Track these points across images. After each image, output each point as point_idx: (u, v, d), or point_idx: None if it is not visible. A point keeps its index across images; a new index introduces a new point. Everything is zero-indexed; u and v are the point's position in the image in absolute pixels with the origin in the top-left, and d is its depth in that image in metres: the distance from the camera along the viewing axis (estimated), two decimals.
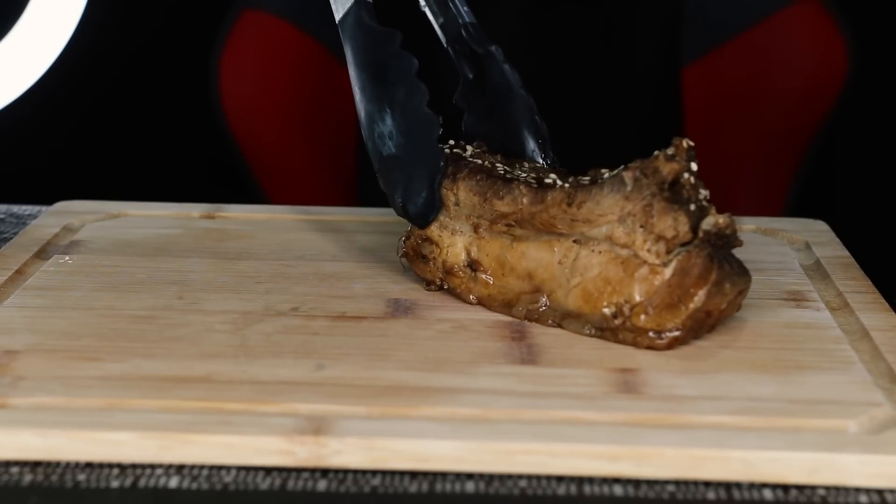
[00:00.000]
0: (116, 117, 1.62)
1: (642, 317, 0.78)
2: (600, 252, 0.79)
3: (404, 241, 0.88)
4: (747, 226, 1.01)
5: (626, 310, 0.78)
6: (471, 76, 0.90)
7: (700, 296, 0.77)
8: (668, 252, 0.78)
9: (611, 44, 1.34)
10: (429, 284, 0.87)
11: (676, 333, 0.77)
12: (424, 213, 0.85)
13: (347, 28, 0.87)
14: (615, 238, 0.79)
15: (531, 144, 0.89)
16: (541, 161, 0.89)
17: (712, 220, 0.78)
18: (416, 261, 0.88)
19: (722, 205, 0.81)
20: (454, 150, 0.87)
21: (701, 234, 0.78)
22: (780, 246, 0.99)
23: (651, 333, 0.77)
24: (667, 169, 0.79)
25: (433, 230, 0.86)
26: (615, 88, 1.35)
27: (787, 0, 1.35)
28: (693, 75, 1.35)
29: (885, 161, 1.52)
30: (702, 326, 0.79)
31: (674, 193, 0.79)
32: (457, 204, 0.85)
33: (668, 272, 0.77)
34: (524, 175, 0.84)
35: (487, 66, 0.89)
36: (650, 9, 1.33)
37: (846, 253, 0.96)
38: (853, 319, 0.83)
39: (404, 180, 0.85)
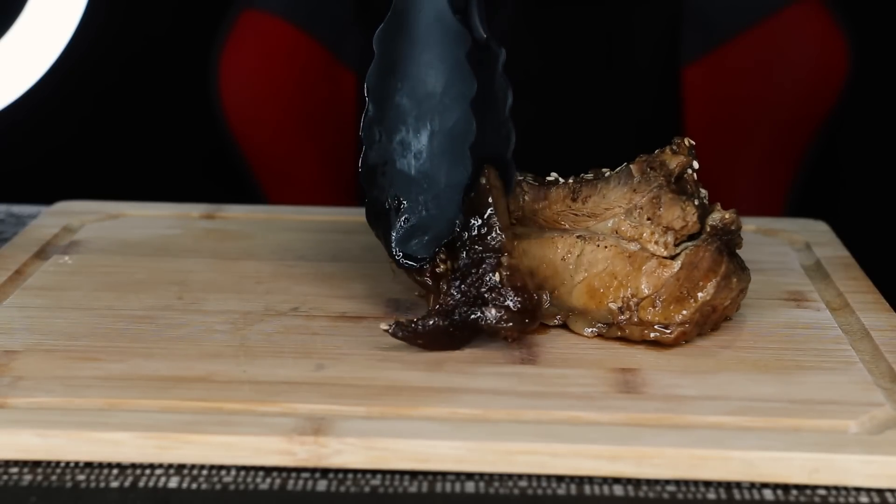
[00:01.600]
0: (116, 117, 1.62)
1: (650, 310, 0.78)
2: (606, 247, 0.79)
3: None
4: (747, 226, 1.01)
5: (632, 304, 0.78)
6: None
7: (709, 288, 0.78)
8: (676, 244, 0.78)
9: (611, 44, 1.34)
10: (424, 289, 0.86)
11: (684, 327, 0.77)
12: (413, 258, 0.80)
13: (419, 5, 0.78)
14: (621, 232, 0.79)
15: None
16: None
17: (718, 216, 0.79)
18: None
19: (722, 204, 0.81)
20: None
21: (708, 229, 0.78)
22: (781, 246, 0.99)
23: (658, 327, 0.78)
24: (674, 162, 0.79)
25: None
26: (615, 88, 1.35)
27: (787, 0, 1.35)
28: (693, 75, 1.34)
29: (885, 161, 1.52)
30: (707, 321, 0.79)
31: (679, 187, 0.79)
32: None
33: (676, 265, 0.78)
34: (521, 178, 0.84)
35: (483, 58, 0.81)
36: (650, 9, 1.33)
37: (846, 253, 0.96)
38: (853, 319, 0.83)
39: (423, 210, 0.79)
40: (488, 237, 0.77)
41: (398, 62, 0.78)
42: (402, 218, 0.80)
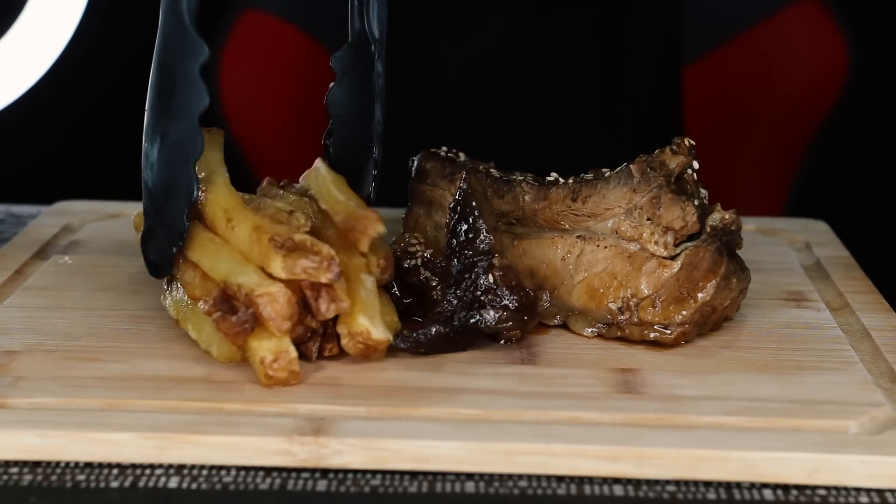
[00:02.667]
0: (116, 117, 1.62)
1: (650, 310, 0.78)
2: (606, 247, 0.79)
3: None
4: (747, 226, 1.01)
5: (632, 304, 0.78)
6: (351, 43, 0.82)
7: (709, 289, 0.78)
8: (676, 245, 0.78)
9: (611, 44, 1.34)
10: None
11: (684, 327, 0.77)
12: (157, 266, 0.79)
13: (165, 4, 0.78)
14: (621, 232, 0.79)
15: (367, 168, 0.83)
16: (368, 190, 0.82)
17: (718, 216, 0.79)
18: None
19: (722, 204, 0.81)
20: (448, 155, 0.88)
21: (708, 230, 0.78)
22: (781, 246, 0.99)
23: (658, 327, 0.78)
24: (674, 162, 0.79)
25: (429, 230, 0.86)
26: (615, 88, 1.35)
27: (787, 0, 1.35)
28: (693, 75, 1.34)
29: (885, 161, 1.52)
30: (706, 322, 0.79)
31: (679, 187, 0.79)
32: None
33: (676, 265, 0.78)
34: (521, 178, 0.84)
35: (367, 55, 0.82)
36: (650, 8, 1.33)
37: (846, 253, 0.96)
38: (853, 319, 0.83)
39: (152, 220, 0.78)
40: (476, 240, 0.78)
41: (152, 70, 0.78)
42: (146, 226, 0.79)
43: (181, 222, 0.77)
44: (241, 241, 0.75)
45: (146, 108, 0.77)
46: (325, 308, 0.73)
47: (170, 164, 0.77)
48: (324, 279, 0.72)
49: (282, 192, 0.82)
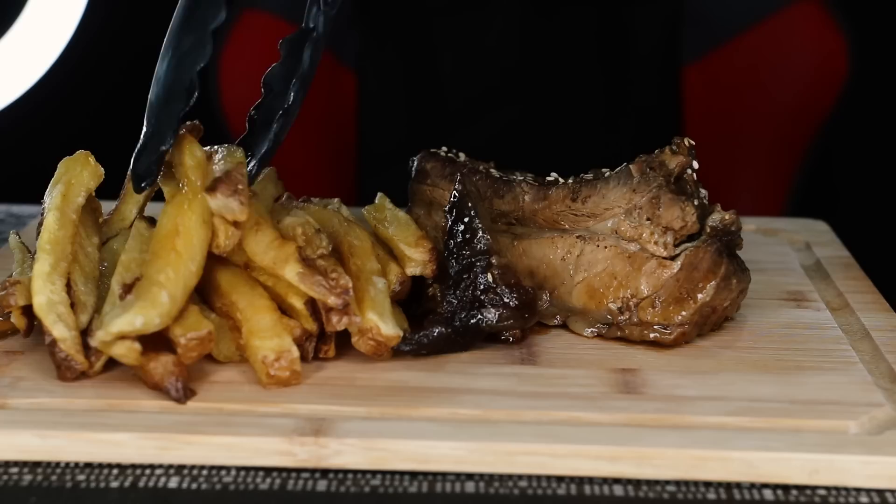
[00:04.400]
0: (116, 117, 1.62)
1: (649, 311, 0.78)
2: (606, 247, 0.79)
3: None
4: (747, 226, 1.01)
5: (632, 304, 0.78)
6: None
7: (709, 289, 0.78)
8: (676, 245, 0.78)
9: (611, 44, 1.33)
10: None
11: (684, 328, 0.77)
12: (140, 176, 0.80)
13: None
14: (621, 232, 0.79)
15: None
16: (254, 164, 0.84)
17: (718, 217, 0.79)
18: None
19: (722, 205, 0.81)
20: (448, 155, 0.88)
21: (708, 230, 0.78)
22: (781, 246, 0.99)
23: (658, 327, 0.78)
24: (674, 162, 0.79)
25: (429, 231, 0.86)
26: (615, 88, 1.35)
27: (787, 0, 1.35)
28: (693, 75, 1.34)
29: (885, 161, 1.52)
30: (706, 322, 0.79)
31: (679, 187, 0.79)
32: None
33: (676, 266, 0.78)
34: (521, 178, 0.84)
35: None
36: (650, 9, 1.33)
37: (846, 253, 0.96)
38: (853, 319, 0.83)
39: (148, 132, 0.79)
40: (474, 241, 0.78)
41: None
42: (141, 141, 0.80)
43: (175, 121, 0.78)
44: (257, 245, 0.75)
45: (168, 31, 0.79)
46: (337, 321, 0.73)
47: (176, 71, 0.78)
48: (330, 302, 0.73)
49: (302, 206, 0.83)
